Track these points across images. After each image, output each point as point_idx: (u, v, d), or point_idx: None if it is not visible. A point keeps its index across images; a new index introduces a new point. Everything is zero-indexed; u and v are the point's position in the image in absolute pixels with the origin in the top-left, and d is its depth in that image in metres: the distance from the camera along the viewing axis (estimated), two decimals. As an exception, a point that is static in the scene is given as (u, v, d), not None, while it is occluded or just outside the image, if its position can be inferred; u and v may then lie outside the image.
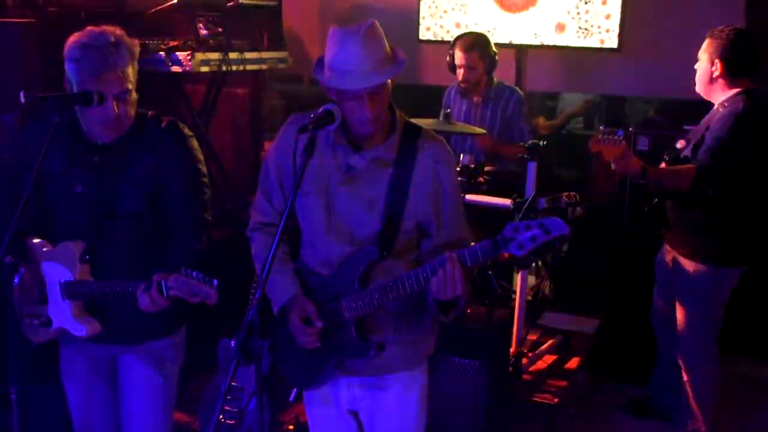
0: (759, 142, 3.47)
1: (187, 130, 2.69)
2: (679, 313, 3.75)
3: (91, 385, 2.77)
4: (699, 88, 3.61)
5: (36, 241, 2.62)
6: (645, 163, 3.53)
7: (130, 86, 2.50)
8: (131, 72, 2.50)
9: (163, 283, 2.35)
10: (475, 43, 4.56)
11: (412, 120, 2.43)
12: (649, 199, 3.71)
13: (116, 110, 2.46)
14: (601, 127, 3.57)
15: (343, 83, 2.18)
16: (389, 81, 2.24)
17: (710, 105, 3.62)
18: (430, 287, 2.16)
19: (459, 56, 4.55)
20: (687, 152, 3.56)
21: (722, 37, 3.48)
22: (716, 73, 3.50)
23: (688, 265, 3.66)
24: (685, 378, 3.80)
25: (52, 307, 2.61)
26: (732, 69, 3.48)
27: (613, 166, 3.45)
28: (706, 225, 3.59)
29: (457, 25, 5.23)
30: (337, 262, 2.36)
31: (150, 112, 2.67)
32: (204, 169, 2.69)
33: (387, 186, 2.30)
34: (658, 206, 3.67)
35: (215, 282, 2.28)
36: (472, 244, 2.20)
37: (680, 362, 3.81)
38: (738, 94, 3.49)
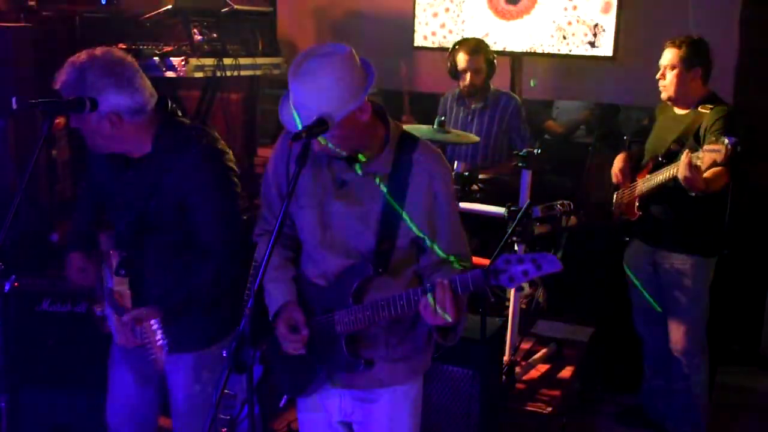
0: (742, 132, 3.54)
1: (221, 144, 2.62)
2: (674, 311, 3.81)
3: (127, 376, 2.83)
4: (675, 95, 3.70)
5: (105, 238, 2.66)
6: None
7: None
8: None
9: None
10: (480, 46, 4.60)
11: (406, 127, 2.42)
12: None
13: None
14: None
15: (287, 124, 2.19)
16: (355, 110, 2.14)
17: None
18: (420, 312, 2.15)
19: (464, 59, 4.56)
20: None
21: (689, 44, 3.65)
22: (694, 77, 3.65)
23: (681, 259, 3.74)
24: (684, 373, 3.83)
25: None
26: (706, 73, 3.67)
27: (683, 181, 3.38)
28: (698, 218, 3.68)
29: (453, 33, 5.23)
30: (332, 274, 2.35)
31: (188, 122, 2.63)
32: (239, 189, 2.62)
33: (382, 200, 2.28)
34: (645, 209, 3.76)
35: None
36: (463, 267, 2.19)
37: (679, 362, 3.83)
38: (710, 94, 3.67)
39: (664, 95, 3.75)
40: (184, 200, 2.52)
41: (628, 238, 4.01)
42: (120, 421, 2.89)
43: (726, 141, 3.15)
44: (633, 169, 3.90)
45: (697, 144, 3.53)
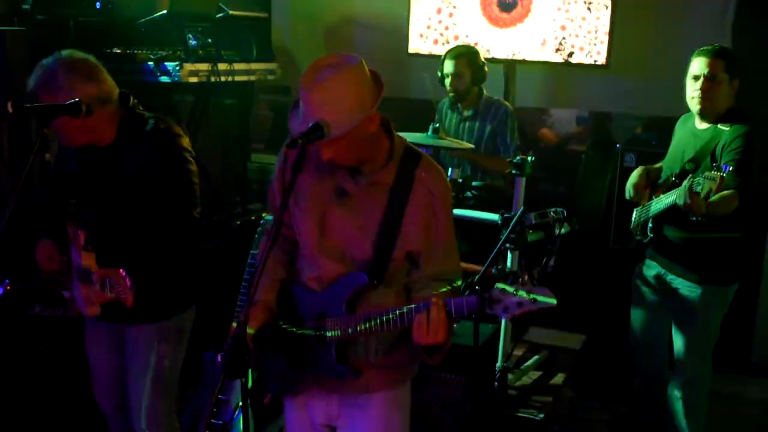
0: (758, 155, 3.42)
1: (176, 129, 2.90)
2: (679, 336, 3.66)
3: (101, 351, 3.10)
4: (714, 107, 3.45)
5: (72, 227, 2.85)
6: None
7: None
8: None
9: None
10: (463, 51, 4.63)
11: (401, 134, 2.42)
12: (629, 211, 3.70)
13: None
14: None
15: (292, 127, 2.22)
16: (364, 120, 2.16)
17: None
18: (413, 330, 2.17)
19: (446, 64, 4.61)
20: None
21: (732, 56, 3.44)
22: (733, 89, 3.44)
23: (689, 287, 3.55)
24: (678, 395, 3.71)
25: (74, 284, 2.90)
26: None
27: (680, 201, 3.21)
28: (712, 244, 3.49)
29: (447, 38, 5.26)
30: (327, 280, 2.35)
31: (149, 115, 2.89)
32: (193, 167, 2.88)
33: (382, 212, 2.29)
34: (657, 232, 3.58)
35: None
36: (456, 287, 2.21)
37: (674, 380, 3.74)
38: (736, 110, 3.45)
39: (697, 107, 3.46)
40: (142, 177, 2.78)
41: (642, 259, 3.81)
42: (105, 394, 3.15)
43: (722, 171, 3.04)
44: (653, 186, 3.69)
45: (712, 163, 3.35)
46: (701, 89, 3.42)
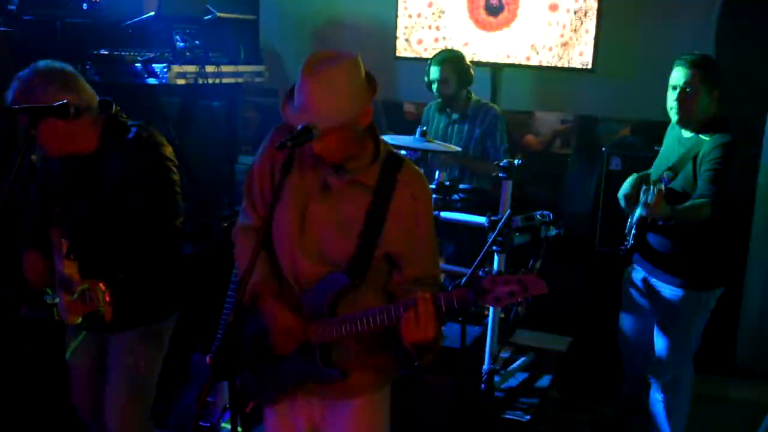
0: (737, 165, 3.45)
1: (158, 138, 2.88)
2: (660, 338, 3.69)
3: (81, 357, 3.09)
4: (690, 117, 3.46)
5: (56, 230, 2.88)
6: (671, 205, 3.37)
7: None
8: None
9: None
10: (447, 57, 4.63)
11: (386, 137, 2.44)
12: (624, 220, 3.68)
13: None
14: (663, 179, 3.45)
15: (286, 116, 2.24)
16: (359, 114, 2.20)
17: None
18: (401, 327, 2.15)
19: (432, 70, 4.62)
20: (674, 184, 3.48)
21: (711, 66, 3.43)
22: (712, 100, 3.43)
23: (671, 291, 3.59)
24: (660, 398, 3.76)
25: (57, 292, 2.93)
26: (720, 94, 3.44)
27: (643, 212, 3.31)
28: (694, 249, 3.53)
29: (435, 40, 5.28)
30: (304, 280, 2.34)
31: (131, 122, 2.86)
32: (176, 177, 2.86)
33: (365, 212, 2.30)
34: (639, 236, 3.59)
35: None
36: (449, 288, 2.19)
37: (655, 382, 3.77)
38: (715, 118, 3.46)
39: (675, 117, 3.48)
40: (123, 186, 2.77)
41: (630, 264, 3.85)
42: (83, 401, 3.14)
43: (662, 183, 3.21)
44: None
45: (691, 171, 3.41)
46: (677, 100, 3.44)
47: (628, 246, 3.63)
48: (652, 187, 3.24)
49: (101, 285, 2.63)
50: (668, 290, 3.60)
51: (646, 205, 3.24)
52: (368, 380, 2.43)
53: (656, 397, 3.76)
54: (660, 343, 3.70)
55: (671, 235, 3.53)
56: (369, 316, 2.21)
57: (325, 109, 2.14)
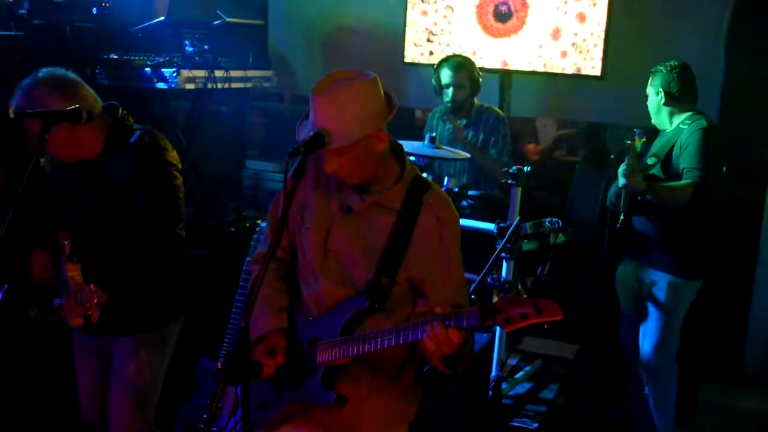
0: (722, 155, 3.70)
1: (162, 142, 2.85)
2: (644, 325, 3.83)
3: (87, 360, 3.11)
4: (653, 120, 3.88)
5: (62, 233, 2.84)
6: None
7: None
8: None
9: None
10: (463, 62, 4.61)
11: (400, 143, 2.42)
12: (617, 217, 3.84)
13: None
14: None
15: (298, 133, 2.23)
16: (363, 141, 2.16)
17: None
18: (426, 348, 2.09)
19: (447, 75, 4.56)
20: (657, 170, 3.72)
21: (665, 71, 3.77)
22: (663, 101, 3.75)
23: (658, 277, 3.76)
24: (646, 390, 3.86)
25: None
26: (680, 96, 3.74)
27: (622, 182, 3.57)
28: (679, 238, 3.71)
29: (447, 45, 5.27)
30: (326, 304, 2.30)
31: (136, 126, 2.85)
32: (177, 182, 2.85)
33: (388, 234, 2.25)
34: (626, 222, 3.78)
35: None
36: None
37: (642, 375, 3.86)
38: (695, 113, 3.70)
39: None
40: (124, 189, 2.76)
41: (621, 257, 4.02)
42: (89, 403, 3.14)
43: (635, 143, 3.53)
44: None
45: (671, 158, 3.66)
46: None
47: (620, 223, 3.81)
48: (627, 157, 3.51)
49: (92, 286, 2.61)
50: (652, 276, 3.78)
51: (624, 174, 3.52)
52: (379, 418, 2.35)
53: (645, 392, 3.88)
54: (643, 334, 3.85)
55: (657, 219, 3.72)
56: (378, 335, 2.15)
57: (334, 129, 2.12)
